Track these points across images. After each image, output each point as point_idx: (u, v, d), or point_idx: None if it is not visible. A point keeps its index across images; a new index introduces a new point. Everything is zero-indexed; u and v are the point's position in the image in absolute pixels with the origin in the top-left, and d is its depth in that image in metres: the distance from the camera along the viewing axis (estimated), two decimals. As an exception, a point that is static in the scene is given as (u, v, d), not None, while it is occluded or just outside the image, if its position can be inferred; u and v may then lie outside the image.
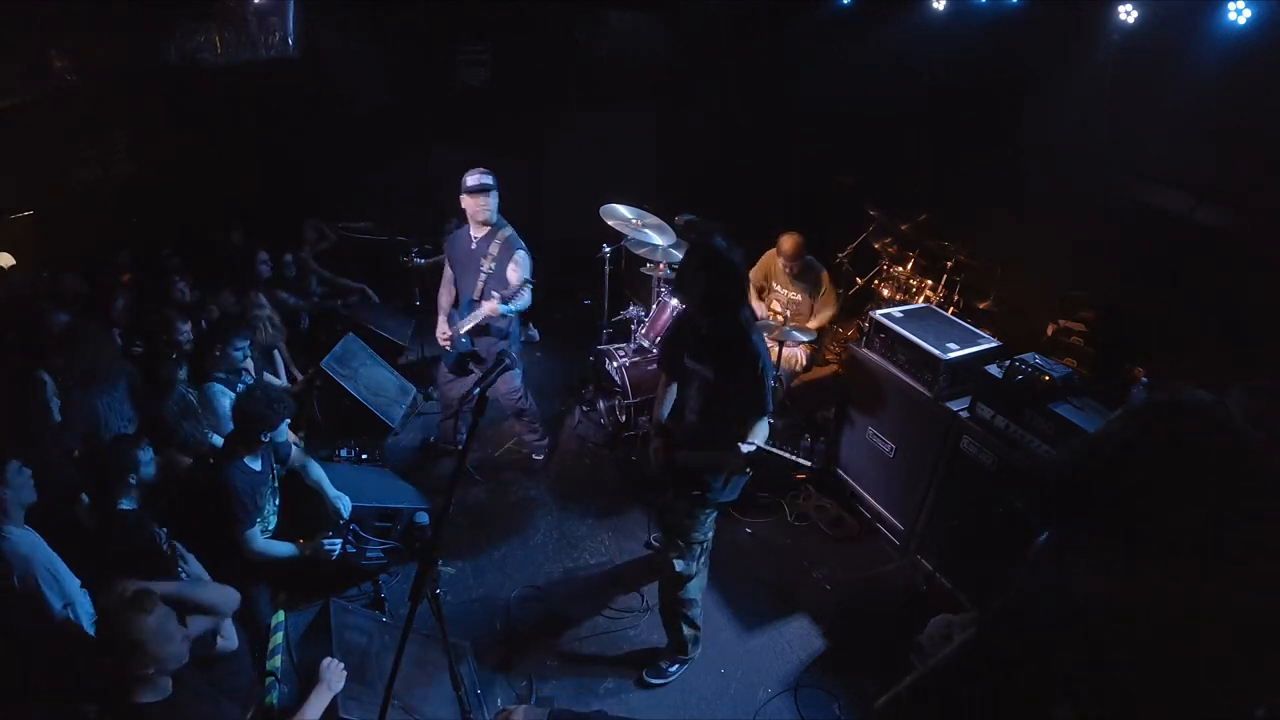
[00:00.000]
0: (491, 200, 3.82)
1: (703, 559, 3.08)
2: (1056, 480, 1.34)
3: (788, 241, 4.56)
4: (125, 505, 2.77)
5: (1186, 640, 1.25)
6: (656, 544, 3.83)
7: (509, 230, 3.90)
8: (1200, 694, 1.28)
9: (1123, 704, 1.36)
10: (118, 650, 1.91)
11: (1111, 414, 1.33)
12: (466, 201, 3.82)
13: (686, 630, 3.24)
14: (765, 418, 2.73)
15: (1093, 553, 1.33)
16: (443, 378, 4.31)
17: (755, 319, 2.82)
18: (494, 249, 3.82)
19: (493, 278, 3.85)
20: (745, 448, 2.50)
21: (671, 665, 3.31)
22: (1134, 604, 1.27)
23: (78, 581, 2.59)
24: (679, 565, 3.02)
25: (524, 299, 3.85)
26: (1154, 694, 1.32)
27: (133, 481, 2.75)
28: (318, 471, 3.30)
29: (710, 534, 3.03)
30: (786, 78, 6.85)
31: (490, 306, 3.73)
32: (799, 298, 4.65)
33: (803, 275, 4.65)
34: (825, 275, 4.72)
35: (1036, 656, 1.48)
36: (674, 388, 3.03)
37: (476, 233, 3.90)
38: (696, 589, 3.15)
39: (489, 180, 3.79)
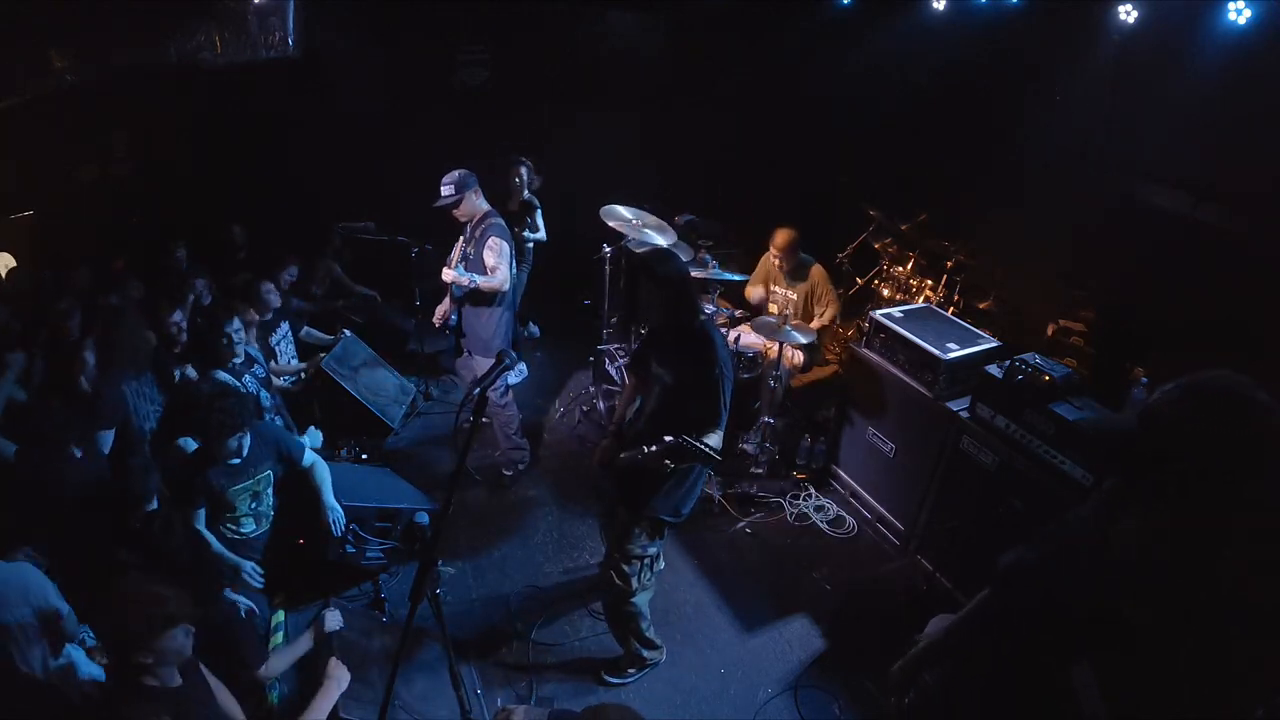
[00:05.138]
0: (465, 206, 3.97)
1: (646, 575, 2.94)
2: (1122, 439, 1.47)
3: (780, 235, 4.54)
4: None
5: (1210, 599, 1.35)
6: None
7: (497, 219, 4.05)
8: (1215, 662, 1.37)
9: (1141, 662, 1.42)
10: (122, 635, 1.91)
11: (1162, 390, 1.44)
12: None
13: (636, 644, 3.15)
14: (718, 430, 2.59)
15: (1138, 510, 1.45)
16: (459, 364, 4.66)
17: (706, 319, 2.75)
18: (477, 232, 4.01)
19: (469, 258, 4.05)
20: (667, 438, 2.43)
21: (629, 668, 3.25)
22: (1168, 555, 1.38)
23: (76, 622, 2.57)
24: (618, 580, 2.92)
25: (498, 277, 3.94)
26: (1172, 656, 1.39)
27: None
28: (323, 473, 3.27)
29: (654, 551, 2.90)
30: (787, 78, 6.85)
31: (449, 273, 3.94)
32: (794, 297, 4.64)
33: (795, 273, 4.64)
34: (818, 272, 4.65)
35: (1057, 608, 1.53)
36: (639, 397, 2.99)
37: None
38: (643, 603, 3.05)
39: (450, 191, 3.92)
